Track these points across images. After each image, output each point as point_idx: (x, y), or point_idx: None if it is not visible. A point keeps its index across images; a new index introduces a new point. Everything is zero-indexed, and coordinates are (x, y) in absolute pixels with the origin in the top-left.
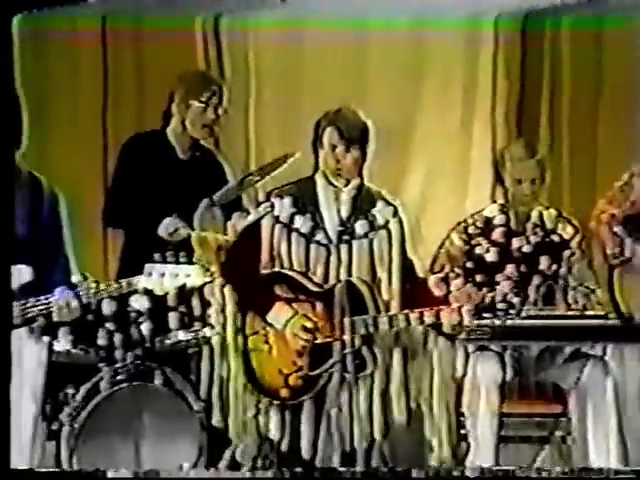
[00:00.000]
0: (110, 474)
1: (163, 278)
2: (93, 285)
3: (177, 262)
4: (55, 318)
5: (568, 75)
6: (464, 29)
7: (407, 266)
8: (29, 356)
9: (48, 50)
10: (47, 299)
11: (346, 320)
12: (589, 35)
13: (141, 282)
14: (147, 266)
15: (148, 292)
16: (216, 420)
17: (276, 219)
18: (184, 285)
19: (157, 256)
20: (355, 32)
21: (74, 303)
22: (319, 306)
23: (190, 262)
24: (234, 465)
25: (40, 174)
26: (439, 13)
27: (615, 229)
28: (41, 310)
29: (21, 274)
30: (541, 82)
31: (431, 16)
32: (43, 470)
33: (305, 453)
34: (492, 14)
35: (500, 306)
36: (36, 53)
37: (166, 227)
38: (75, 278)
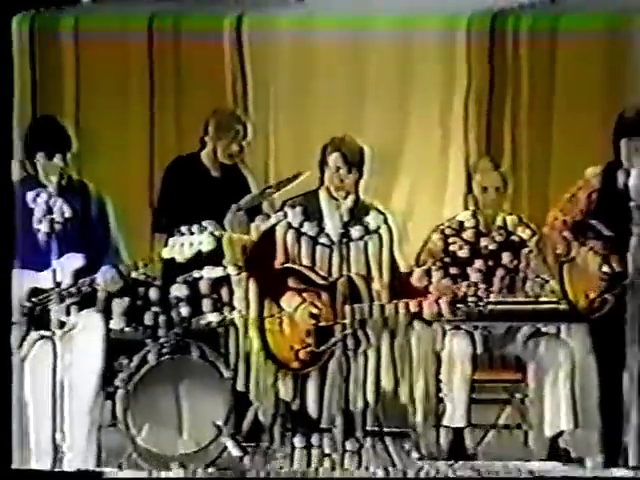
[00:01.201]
0: (105, 474)
1: (183, 247)
2: (132, 262)
3: (191, 234)
4: (102, 288)
5: (526, 91)
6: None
7: (395, 263)
8: (91, 333)
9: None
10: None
11: (346, 307)
12: (545, 43)
13: (166, 252)
14: (170, 240)
15: (187, 282)
16: (241, 385)
17: (289, 225)
18: (200, 252)
19: (176, 231)
20: (356, 38)
21: (116, 276)
22: (324, 295)
23: (201, 232)
24: (256, 422)
25: (88, 180)
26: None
27: (564, 234)
28: (91, 285)
29: (74, 260)
30: (505, 99)
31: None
32: (43, 470)
33: (312, 413)
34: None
35: (471, 294)
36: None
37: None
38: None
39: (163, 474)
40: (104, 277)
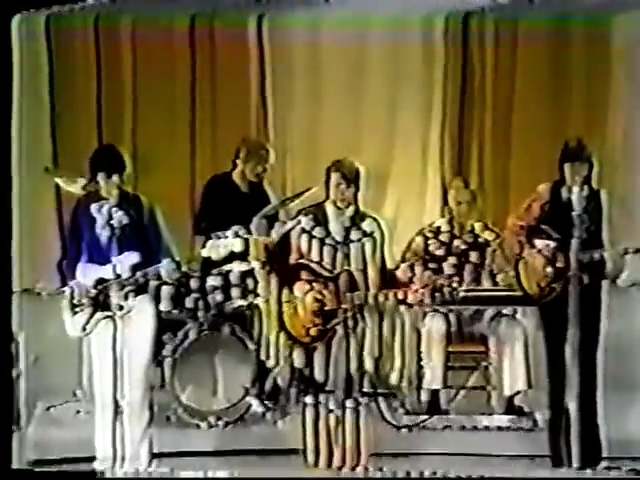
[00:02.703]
0: (107, 474)
1: (218, 249)
2: (184, 258)
3: (226, 237)
4: (164, 277)
5: (490, 121)
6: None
7: (385, 260)
8: (144, 314)
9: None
10: (152, 268)
11: (347, 295)
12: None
13: (205, 252)
14: (208, 242)
15: (220, 274)
16: (263, 356)
17: (302, 229)
18: (232, 254)
19: (213, 235)
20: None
21: (175, 268)
22: (329, 285)
23: (234, 237)
24: (275, 385)
25: (141, 194)
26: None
27: (519, 238)
28: (145, 277)
29: (131, 257)
30: (472, 129)
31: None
32: (43, 470)
33: (319, 378)
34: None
35: (446, 284)
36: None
37: (235, 231)
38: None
39: (173, 474)
40: (166, 269)
